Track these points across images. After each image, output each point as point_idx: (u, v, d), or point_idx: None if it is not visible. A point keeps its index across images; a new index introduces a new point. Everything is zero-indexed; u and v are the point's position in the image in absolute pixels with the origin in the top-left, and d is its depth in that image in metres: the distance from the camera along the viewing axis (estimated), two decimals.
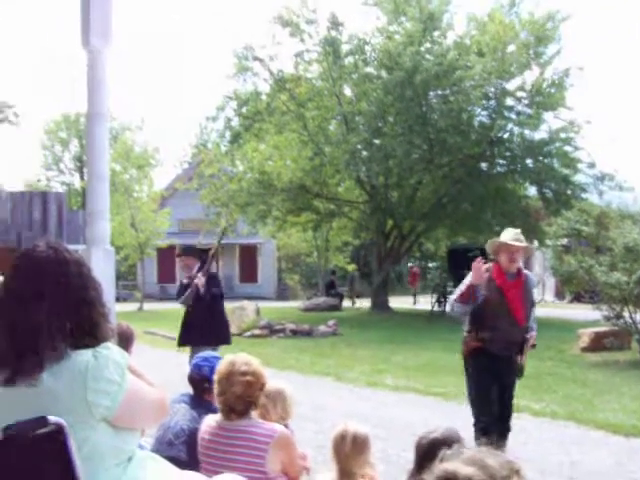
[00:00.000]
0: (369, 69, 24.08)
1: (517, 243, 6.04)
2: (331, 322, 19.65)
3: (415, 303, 31.94)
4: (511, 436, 8.02)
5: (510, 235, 6.16)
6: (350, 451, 3.34)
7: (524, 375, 6.23)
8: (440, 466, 1.38)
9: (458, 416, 9.05)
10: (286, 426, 3.86)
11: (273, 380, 4.24)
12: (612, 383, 11.35)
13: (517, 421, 8.80)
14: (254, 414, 3.64)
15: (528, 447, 7.58)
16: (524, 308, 6.10)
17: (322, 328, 19.11)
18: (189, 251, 10.21)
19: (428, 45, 23.38)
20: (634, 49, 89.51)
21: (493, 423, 6.01)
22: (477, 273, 5.77)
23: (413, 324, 21.87)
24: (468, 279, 5.97)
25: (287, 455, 3.46)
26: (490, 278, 6.01)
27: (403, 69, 21.58)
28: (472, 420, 6.16)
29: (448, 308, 6.42)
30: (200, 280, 8.94)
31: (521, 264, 6.21)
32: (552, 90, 23.79)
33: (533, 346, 6.23)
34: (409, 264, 39.43)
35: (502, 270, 6.10)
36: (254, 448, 3.33)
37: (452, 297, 6.24)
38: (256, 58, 24.60)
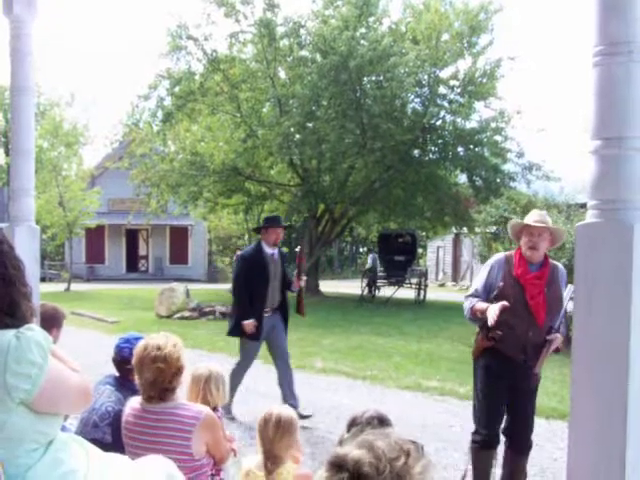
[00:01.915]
0: (304, 52, 24.00)
1: (539, 224, 5.03)
2: None
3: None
4: (439, 418, 8.23)
5: (533, 216, 5.15)
6: (274, 434, 3.33)
7: (539, 382, 5.37)
8: (333, 450, 1.39)
9: (386, 399, 9.20)
10: (215, 409, 3.84)
11: (205, 362, 4.22)
12: None
13: (443, 404, 9.03)
14: (190, 396, 3.61)
15: (454, 429, 7.72)
16: (547, 306, 5.05)
17: None
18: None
19: (363, 30, 23.45)
20: (561, 43, 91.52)
21: (495, 437, 5.25)
22: (492, 315, 4.86)
23: (343, 308, 22.01)
24: (484, 305, 5.05)
25: (213, 437, 3.43)
26: (509, 266, 5.16)
27: (338, 54, 21.60)
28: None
29: (466, 309, 5.28)
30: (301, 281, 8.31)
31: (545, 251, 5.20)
32: (484, 80, 24.19)
33: (557, 350, 5.20)
34: (296, 248, 39.62)
35: (524, 258, 5.12)
36: (179, 430, 3.30)
37: (466, 304, 5.28)
38: (190, 37, 24.24)
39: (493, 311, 4.82)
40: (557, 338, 5.04)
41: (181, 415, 3.34)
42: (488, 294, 5.15)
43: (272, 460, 3.32)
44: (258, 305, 7.82)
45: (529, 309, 5.01)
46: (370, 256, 32.37)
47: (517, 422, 5.25)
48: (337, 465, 1.33)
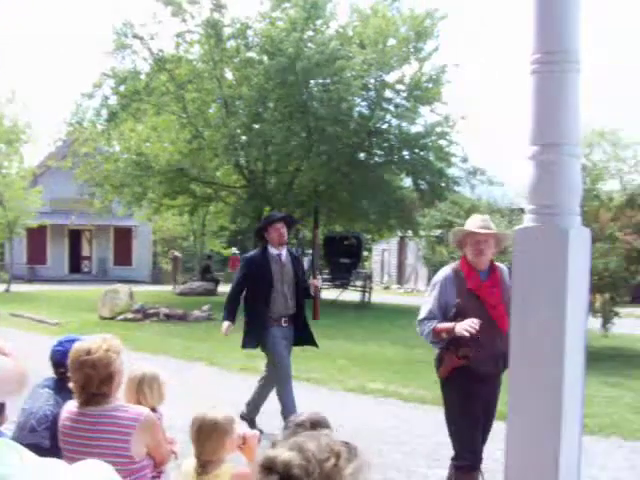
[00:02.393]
0: (251, 54, 23.93)
1: (484, 230, 4.87)
2: (206, 307, 19.51)
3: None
4: (380, 420, 8.28)
5: (475, 221, 4.99)
6: (202, 437, 3.30)
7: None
8: (264, 453, 1.40)
9: (330, 401, 9.22)
10: (154, 410, 3.79)
11: (147, 364, 4.17)
12: None
13: (387, 407, 9.09)
14: (127, 398, 3.55)
15: (397, 430, 7.78)
16: (506, 310, 4.64)
17: (196, 313, 18.94)
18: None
19: (311, 33, 23.51)
20: (508, 50, 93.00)
21: (480, 458, 5.00)
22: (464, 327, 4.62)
23: None
24: (448, 325, 4.78)
25: (153, 439, 3.40)
26: (460, 280, 4.92)
27: (285, 56, 21.61)
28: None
29: (418, 330, 5.04)
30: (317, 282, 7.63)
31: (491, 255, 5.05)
32: (429, 85, 24.46)
33: None
34: (233, 251, 39.45)
35: (472, 267, 4.93)
36: (118, 432, 3.25)
37: (424, 327, 4.98)
38: (136, 36, 23.94)
39: (467, 324, 4.56)
40: None
41: (120, 417, 3.29)
42: (445, 314, 4.89)
43: (201, 463, 3.30)
44: (260, 311, 7.08)
45: (492, 320, 4.77)
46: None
47: (485, 435, 5.06)
48: (267, 467, 1.34)
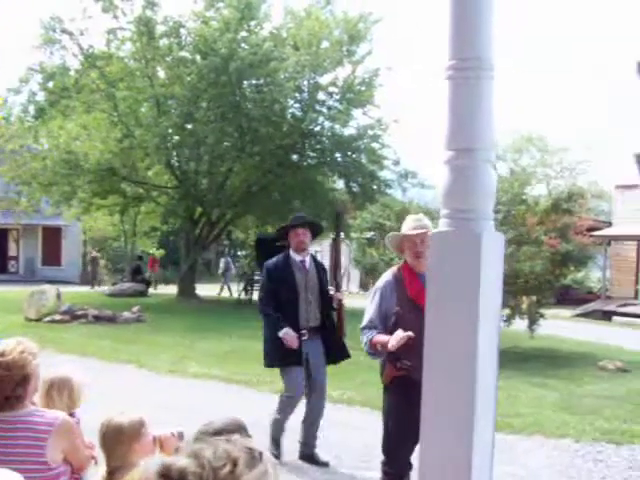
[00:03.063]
0: (184, 53, 23.68)
1: (418, 231, 4.66)
2: (135, 308, 19.25)
3: (153, 288, 32.03)
4: None
5: (409, 223, 4.78)
6: (108, 443, 3.25)
7: None
8: (159, 460, 1.39)
9: (261, 403, 9.18)
10: (72, 414, 3.71)
11: (69, 367, 4.07)
12: None
13: None
14: (38, 402, 3.46)
15: (327, 432, 7.79)
16: None
17: (126, 314, 18.66)
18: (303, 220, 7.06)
19: (244, 34, 23.40)
20: (438, 56, 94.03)
21: (408, 467, 4.87)
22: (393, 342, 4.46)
23: (220, 312, 21.85)
24: (384, 338, 4.59)
25: (70, 444, 3.32)
26: (400, 287, 4.70)
27: (218, 55, 21.46)
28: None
29: (363, 342, 4.81)
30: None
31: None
32: (362, 88, 24.60)
33: None
34: (150, 252, 39.35)
35: (413, 271, 4.71)
36: (33, 438, 3.17)
37: (363, 337, 4.81)
38: (65, 31, 23.44)
39: (398, 339, 4.38)
40: None
41: (35, 422, 3.20)
42: (385, 322, 4.71)
43: (110, 469, 3.25)
44: (288, 326, 6.41)
45: None
46: (222, 260, 32.76)
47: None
48: (163, 475, 1.33)
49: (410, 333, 4.35)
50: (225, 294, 30.36)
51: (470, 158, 1.76)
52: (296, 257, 6.66)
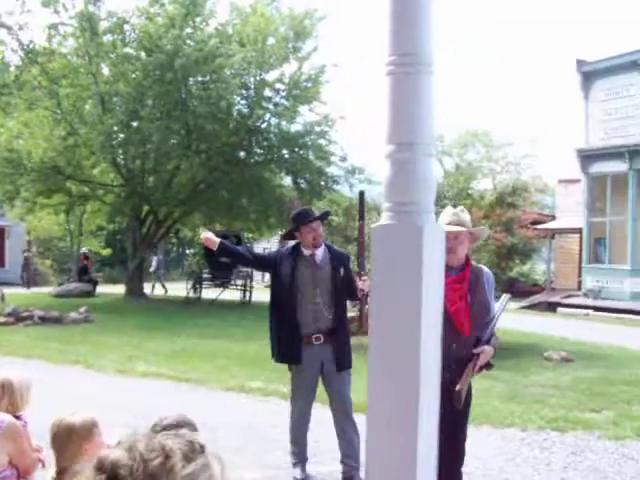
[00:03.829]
0: (128, 49, 23.39)
1: (456, 228, 4.45)
2: (82, 309, 18.97)
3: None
4: (260, 418, 8.28)
5: (447, 216, 4.55)
6: (58, 444, 3.22)
7: (469, 401, 4.56)
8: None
9: (210, 402, 9.16)
10: (18, 417, 3.66)
11: (2, 370, 4.00)
12: None
13: (267, 405, 9.10)
14: None
15: (277, 429, 7.80)
16: (471, 313, 4.39)
17: (73, 315, 18.38)
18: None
19: (189, 30, 23.19)
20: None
21: None
22: None
23: (168, 311, 21.69)
24: None
25: (16, 447, 3.28)
26: None
27: (163, 52, 21.26)
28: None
29: None
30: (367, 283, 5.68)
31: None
32: (309, 84, 24.64)
33: (487, 367, 4.49)
34: (82, 250, 38.99)
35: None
36: None
37: None
38: (3, 25, 22.92)
39: None
40: (485, 351, 4.40)
41: None
42: None
43: (59, 470, 3.22)
44: (286, 325, 5.95)
45: (450, 318, 4.15)
46: (154, 258, 32.65)
47: (445, 454, 3.80)
48: (98, 467, 1.33)
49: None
50: (160, 292, 30.29)
51: (411, 152, 1.78)
52: (306, 251, 6.03)
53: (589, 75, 26.29)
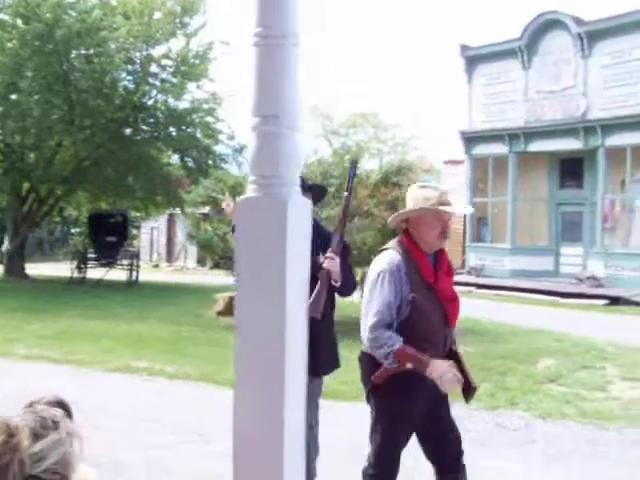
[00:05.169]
0: (3, 15, 22.34)
1: (449, 209, 3.83)
2: None
3: None
4: (145, 398, 8.20)
5: (438, 196, 3.79)
6: None
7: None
8: None
9: (94, 383, 8.99)
10: None
11: None
12: None
13: (152, 384, 9.01)
14: None
15: (163, 409, 7.73)
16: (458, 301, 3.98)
17: None
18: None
19: (71, 0, 22.41)
20: None
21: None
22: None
23: (51, 291, 21.06)
24: (414, 352, 3.63)
25: None
26: (412, 268, 3.76)
27: (42, 21, 20.47)
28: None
29: (369, 340, 3.72)
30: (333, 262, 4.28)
31: None
32: (196, 61, 24.30)
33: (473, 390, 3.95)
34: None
35: (421, 250, 3.82)
36: None
37: (381, 338, 3.65)
38: None
39: (446, 377, 3.64)
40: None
41: None
42: (398, 312, 3.75)
43: None
44: None
45: (445, 314, 3.86)
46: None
47: (446, 442, 3.94)
48: None
49: (459, 375, 3.74)
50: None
51: (276, 125, 1.78)
52: None
53: (472, 60, 27.02)
